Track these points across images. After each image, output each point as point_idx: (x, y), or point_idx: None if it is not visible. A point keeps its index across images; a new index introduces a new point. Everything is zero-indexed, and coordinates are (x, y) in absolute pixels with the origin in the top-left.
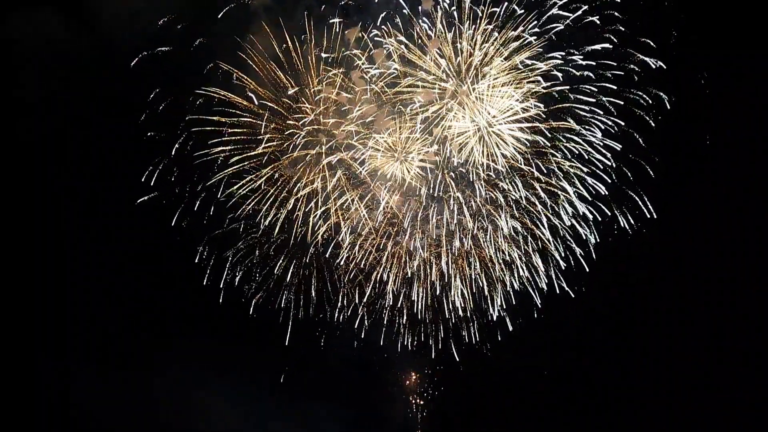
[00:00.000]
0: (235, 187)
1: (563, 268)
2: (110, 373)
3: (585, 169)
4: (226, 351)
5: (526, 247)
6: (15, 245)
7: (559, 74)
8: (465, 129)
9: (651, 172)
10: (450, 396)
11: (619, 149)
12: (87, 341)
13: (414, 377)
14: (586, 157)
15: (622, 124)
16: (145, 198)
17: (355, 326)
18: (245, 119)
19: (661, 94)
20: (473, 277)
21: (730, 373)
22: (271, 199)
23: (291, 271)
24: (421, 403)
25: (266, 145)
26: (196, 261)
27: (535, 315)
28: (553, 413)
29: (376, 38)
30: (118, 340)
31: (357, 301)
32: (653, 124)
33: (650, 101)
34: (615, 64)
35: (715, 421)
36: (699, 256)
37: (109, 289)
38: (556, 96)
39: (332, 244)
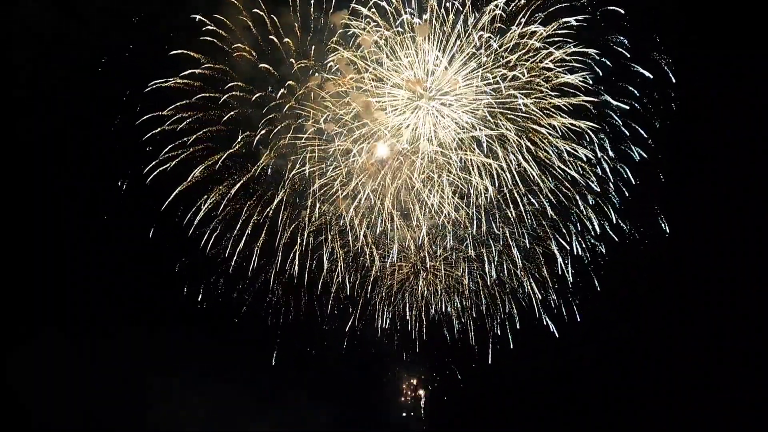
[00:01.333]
0: (219, 186)
1: (570, 278)
2: (108, 373)
3: (592, 176)
4: (221, 352)
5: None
6: (15, 244)
7: (571, 74)
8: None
9: (661, 176)
10: (448, 397)
11: (636, 159)
12: (85, 340)
13: (411, 380)
14: (594, 161)
15: (641, 128)
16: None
17: (346, 335)
18: (228, 114)
19: (671, 93)
20: (470, 290)
21: (730, 373)
22: (255, 199)
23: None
24: (412, 398)
25: (249, 138)
26: (176, 270)
27: (536, 321)
28: (552, 414)
29: (354, 26)
30: (115, 339)
31: (351, 309)
32: (657, 126)
33: (657, 97)
34: (624, 62)
35: (715, 421)
36: (700, 257)
37: (109, 289)
38: (556, 94)
39: (319, 254)
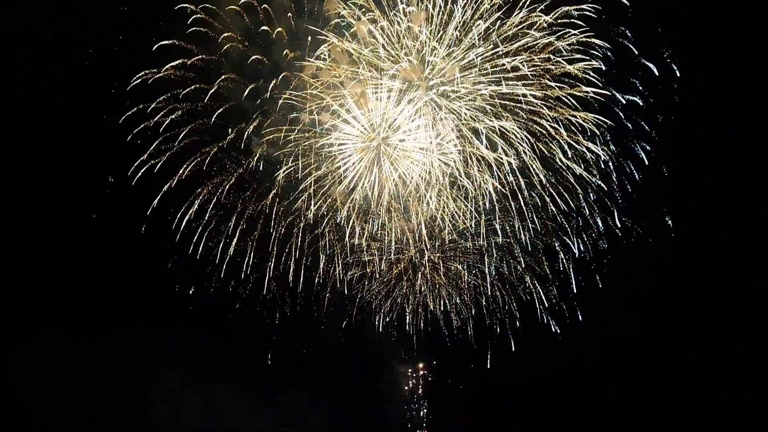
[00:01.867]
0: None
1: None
2: (108, 373)
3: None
4: (221, 351)
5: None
6: (15, 244)
7: (571, 65)
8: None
9: (665, 172)
10: (448, 395)
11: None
12: (85, 340)
13: (410, 377)
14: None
15: (645, 123)
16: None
17: (342, 331)
18: (219, 105)
19: (675, 85)
20: (469, 285)
21: (732, 372)
22: (249, 192)
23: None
24: (410, 392)
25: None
26: (168, 266)
27: (537, 319)
28: (553, 412)
29: (349, 14)
30: (115, 339)
31: (348, 304)
32: (660, 119)
33: (660, 90)
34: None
35: (716, 421)
36: (703, 253)
37: (108, 289)
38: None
39: (314, 248)
